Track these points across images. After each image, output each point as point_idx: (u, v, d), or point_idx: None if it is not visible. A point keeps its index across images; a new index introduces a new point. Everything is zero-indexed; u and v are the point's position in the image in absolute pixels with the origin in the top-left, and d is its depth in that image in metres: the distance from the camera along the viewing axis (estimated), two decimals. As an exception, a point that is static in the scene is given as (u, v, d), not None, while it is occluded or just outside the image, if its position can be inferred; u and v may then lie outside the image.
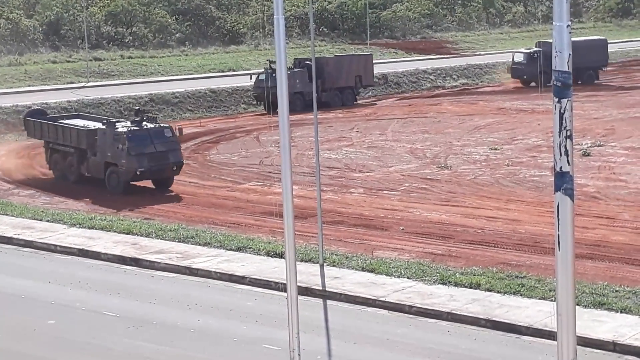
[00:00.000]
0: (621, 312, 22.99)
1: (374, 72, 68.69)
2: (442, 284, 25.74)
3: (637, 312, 22.85)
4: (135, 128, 39.24)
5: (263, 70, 65.31)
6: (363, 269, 27.29)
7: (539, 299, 24.16)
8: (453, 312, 23.76)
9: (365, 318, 24.04)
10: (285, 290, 15.10)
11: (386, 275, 26.66)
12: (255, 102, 65.52)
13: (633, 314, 22.79)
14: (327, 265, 27.75)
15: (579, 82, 68.90)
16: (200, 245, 30.56)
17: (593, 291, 24.21)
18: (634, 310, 22.94)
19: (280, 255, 28.18)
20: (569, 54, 8.07)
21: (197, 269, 28.26)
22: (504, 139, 49.13)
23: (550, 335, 21.29)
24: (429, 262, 27.93)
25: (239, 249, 29.84)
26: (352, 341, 22.25)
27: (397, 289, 25.52)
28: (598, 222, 31.78)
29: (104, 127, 40.08)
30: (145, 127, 39.46)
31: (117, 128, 39.43)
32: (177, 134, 40.43)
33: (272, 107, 63.20)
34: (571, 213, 8.46)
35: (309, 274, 26.69)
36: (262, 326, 23.27)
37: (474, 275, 26.10)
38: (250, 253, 29.50)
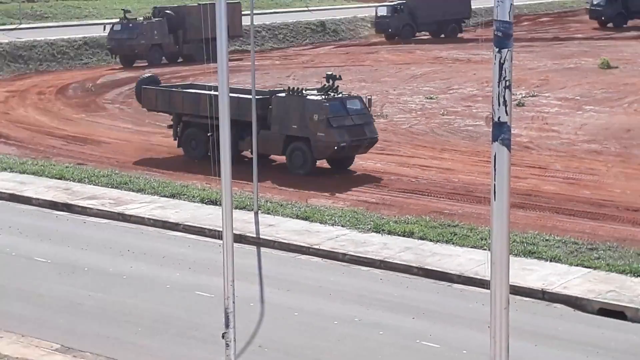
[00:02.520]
0: (551, 260, 23.34)
1: (242, 22, 62.39)
2: (376, 232, 25.87)
3: (566, 260, 23.21)
4: (331, 96, 32.88)
5: (118, 20, 62.18)
6: (297, 217, 27.31)
7: (471, 247, 24.42)
8: (386, 260, 23.92)
9: (298, 265, 24.09)
10: (219, 238, 15.03)
11: (320, 223, 26.72)
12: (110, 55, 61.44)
13: (562, 263, 23.15)
14: (262, 212, 27.72)
15: (442, 36, 69.20)
16: (133, 191, 30.31)
17: (524, 240, 24.53)
18: (563, 259, 23.30)
19: (215, 203, 28.08)
20: (511, 4, 8.03)
21: (130, 215, 28.04)
22: (440, 88, 49.31)
23: (481, 283, 21.56)
24: (363, 210, 28.03)
25: (173, 196, 29.66)
26: (286, 288, 22.29)
27: (331, 237, 25.59)
28: (530, 172, 32.14)
29: (283, 94, 33.57)
30: (339, 95, 33.22)
31: (307, 96, 33.02)
32: (368, 105, 33.85)
33: (126, 60, 61.66)
34: (508, 163, 8.49)
35: (243, 221, 26.63)
36: (195, 273, 23.21)
37: (407, 223, 26.27)
38: (184, 200, 29.34)
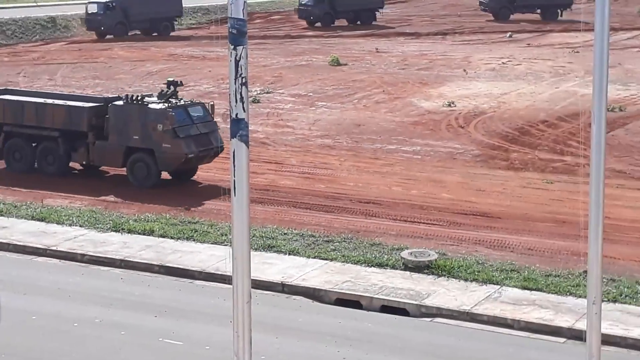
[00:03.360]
0: (289, 254, 23.86)
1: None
2: (115, 231, 25.55)
3: (304, 253, 23.80)
4: (174, 104, 30.75)
5: None
6: (33, 218, 26.54)
7: (212, 243, 24.58)
8: (126, 259, 23.67)
9: (35, 268, 23.44)
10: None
11: (57, 223, 26.09)
12: None
13: (300, 256, 23.72)
14: (-6, 214, 26.74)
15: (155, 34, 69.27)
16: None
17: (263, 234, 24.94)
18: (301, 252, 23.87)
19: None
20: (245, 2, 8.16)
21: None
22: (175, 85, 49.13)
23: (223, 278, 21.75)
24: (102, 209, 27.61)
25: None
26: (22, 292, 21.62)
27: (69, 238, 25.04)
28: (267, 167, 32.69)
29: (121, 102, 31.13)
30: (181, 103, 31.13)
31: (148, 105, 30.67)
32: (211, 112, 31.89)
33: None
34: (246, 159, 8.62)
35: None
36: None
37: (147, 221, 26.10)
38: None
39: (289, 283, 22.14)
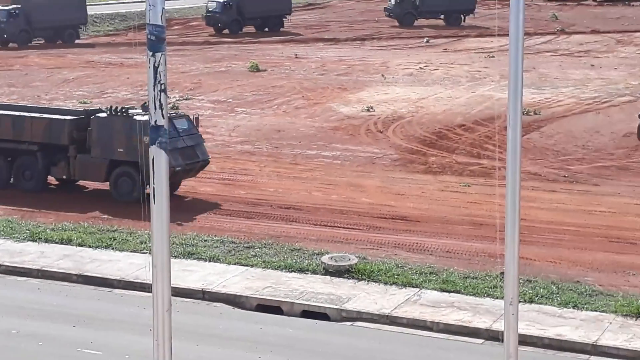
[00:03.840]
0: (210, 260, 23.78)
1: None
2: (32, 240, 25.19)
3: (224, 260, 23.75)
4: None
5: None
6: (-54, 229, 26.04)
7: (131, 251, 24.38)
8: (44, 269, 23.36)
9: (-50, 279, 22.97)
10: None
11: (-28, 234, 25.62)
12: None
13: (221, 262, 23.66)
14: None
15: (59, 42, 68.56)
16: None
17: (183, 242, 24.82)
18: (221, 259, 23.81)
19: None
20: (163, 8, 8.14)
21: None
22: (93, 92, 48.65)
23: (143, 287, 21.58)
24: (18, 218, 27.19)
25: None
26: (-63, 304, 21.19)
27: (-15, 248, 24.61)
28: (187, 175, 32.49)
29: (104, 114, 29.96)
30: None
31: (134, 116, 29.26)
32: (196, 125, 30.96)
33: None
34: (166, 166, 8.61)
35: None
36: None
37: (65, 230, 25.79)
38: None
39: (210, 290, 22.07)
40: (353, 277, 22.60)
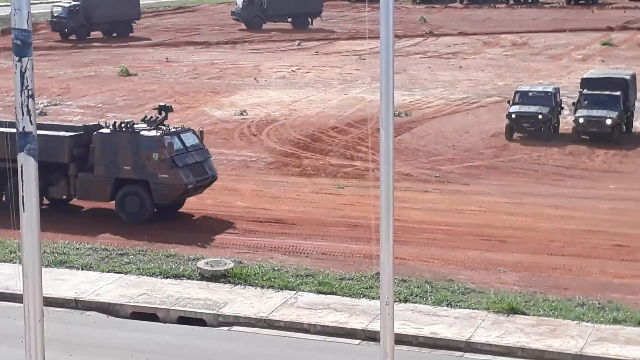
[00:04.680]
0: (82, 269, 23.36)
1: None
2: None
3: (97, 267, 23.36)
4: (167, 131, 28.14)
5: None
6: None
7: (0, 261, 23.76)
8: None
9: None
10: None
11: None
12: None
13: (94, 270, 23.27)
14: None
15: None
16: None
17: (54, 250, 24.32)
18: (94, 266, 23.42)
19: None
20: (29, 12, 7.93)
21: None
22: (-44, 98, 47.32)
23: (13, 297, 21.06)
24: None
25: None
26: None
27: None
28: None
29: (107, 130, 28.28)
30: (172, 129, 28.48)
31: (141, 132, 27.89)
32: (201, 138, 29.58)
33: None
34: (35, 174, 8.39)
35: None
36: None
37: None
38: None
39: (83, 299, 21.67)
40: (229, 282, 22.50)
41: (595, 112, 37.91)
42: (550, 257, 24.83)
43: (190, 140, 28.56)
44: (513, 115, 38.62)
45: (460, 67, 56.53)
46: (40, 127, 29.72)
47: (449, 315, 20.62)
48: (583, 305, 20.86)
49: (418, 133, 39.57)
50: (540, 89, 40.78)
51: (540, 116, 38.34)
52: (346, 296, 21.66)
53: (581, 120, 37.97)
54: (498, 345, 19.25)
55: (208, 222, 27.83)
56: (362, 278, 22.60)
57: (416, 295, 21.54)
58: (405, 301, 21.20)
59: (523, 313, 20.53)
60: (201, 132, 29.64)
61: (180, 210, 28.83)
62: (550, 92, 39.69)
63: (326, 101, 46.03)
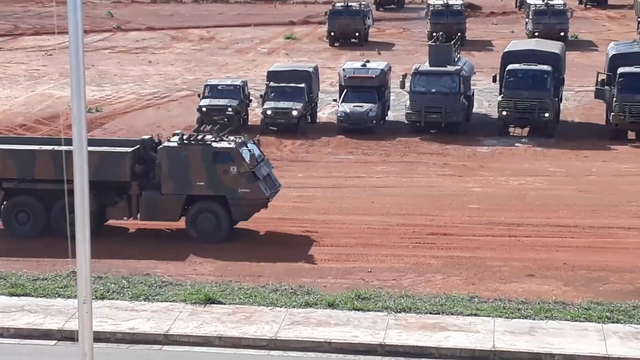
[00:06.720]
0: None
1: None
2: None
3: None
4: (238, 141, 25.93)
5: None
6: None
7: None
8: None
9: None
10: None
11: None
12: None
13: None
14: None
15: None
16: None
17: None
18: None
19: None
20: None
21: None
22: None
23: None
24: None
25: None
26: None
27: None
28: None
29: (173, 143, 25.62)
30: (239, 140, 26.15)
31: (213, 144, 25.55)
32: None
33: None
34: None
35: None
36: None
37: None
38: None
39: None
40: None
41: (282, 104, 39.20)
42: (243, 245, 25.45)
43: (256, 150, 26.76)
44: (204, 109, 39.21)
45: (150, 61, 56.44)
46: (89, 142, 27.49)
47: (146, 309, 20.69)
48: (277, 291, 21.54)
49: (110, 128, 39.25)
50: (229, 82, 41.65)
51: (229, 109, 39.12)
52: (40, 297, 21.20)
53: (269, 112, 39.16)
54: (196, 335, 19.54)
55: None
56: (57, 277, 22.20)
57: (113, 292, 21.43)
58: (102, 298, 21.04)
59: (220, 302, 20.93)
60: (258, 140, 27.78)
61: None
62: (238, 85, 40.65)
63: (12, 98, 44.64)
